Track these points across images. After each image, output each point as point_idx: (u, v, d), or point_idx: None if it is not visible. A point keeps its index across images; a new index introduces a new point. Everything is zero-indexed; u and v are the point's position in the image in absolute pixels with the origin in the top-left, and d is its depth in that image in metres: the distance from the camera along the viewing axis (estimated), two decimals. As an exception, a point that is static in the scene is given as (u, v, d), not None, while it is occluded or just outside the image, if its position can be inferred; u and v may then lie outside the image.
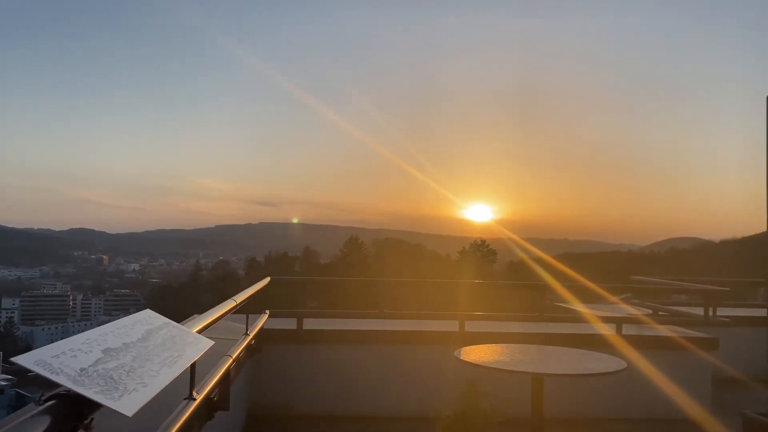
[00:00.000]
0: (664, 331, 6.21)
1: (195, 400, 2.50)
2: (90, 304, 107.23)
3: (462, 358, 4.24)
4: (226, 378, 3.28)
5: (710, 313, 6.69)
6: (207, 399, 3.04)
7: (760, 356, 4.03)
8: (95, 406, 1.32)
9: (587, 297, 7.81)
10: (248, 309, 4.74)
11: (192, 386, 2.53)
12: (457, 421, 3.44)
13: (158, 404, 2.62)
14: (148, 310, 2.20)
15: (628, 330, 6.05)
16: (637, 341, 5.72)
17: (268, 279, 5.43)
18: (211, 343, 2.27)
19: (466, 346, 4.60)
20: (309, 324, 5.85)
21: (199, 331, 2.60)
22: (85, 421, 1.34)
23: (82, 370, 1.33)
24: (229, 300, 3.53)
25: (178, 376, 2.50)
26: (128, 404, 1.33)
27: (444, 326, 5.96)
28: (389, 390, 5.54)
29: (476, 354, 4.38)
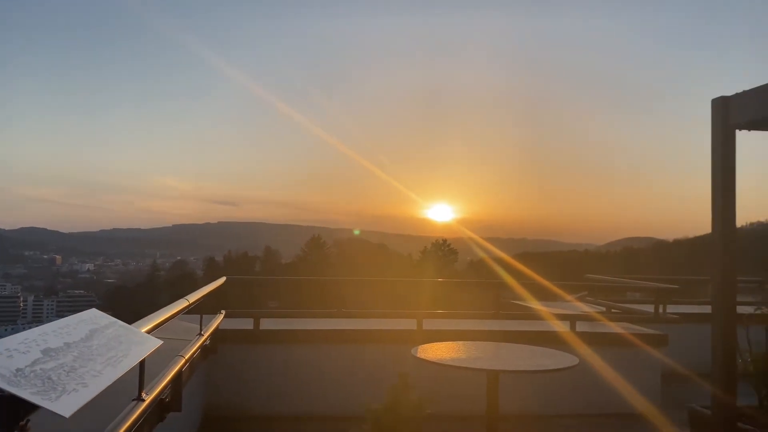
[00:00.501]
0: (616, 328, 6.36)
1: (144, 401, 2.44)
2: (42, 305, 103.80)
3: (419, 356, 4.26)
4: (178, 378, 3.22)
5: (660, 310, 6.88)
6: (158, 400, 2.98)
7: (706, 352, 4.16)
8: (31, 407, 1.28)
9: (545, 295, 7.95)
10: (204, 309, 4.66)
11: (141, 387, 2.48)
12: (386, 413, 3.46)
13: (106, 406, 2.56)
14: (93, 309, 2.15)
15: (582, 327, 6.18)
16: (590, 338, 5.84)
17: (223, 279, 5.36)
18: (159, 342, 2.22)
19: (424, 344, 4.62)
20: (267, 324, 5.79)
21: (149, 331, 2.54)
22: (21, 423, 1.29)
23: (18, 370, 1.29)
24: (181, 300, 3.47)
25: (128, 377, 2.46)
26: (66, 405, 1.29)
27: (403, 325, 5.97)
28: (346, 389, 5.52)
29: (433, 352, 4.41)
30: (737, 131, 3.95)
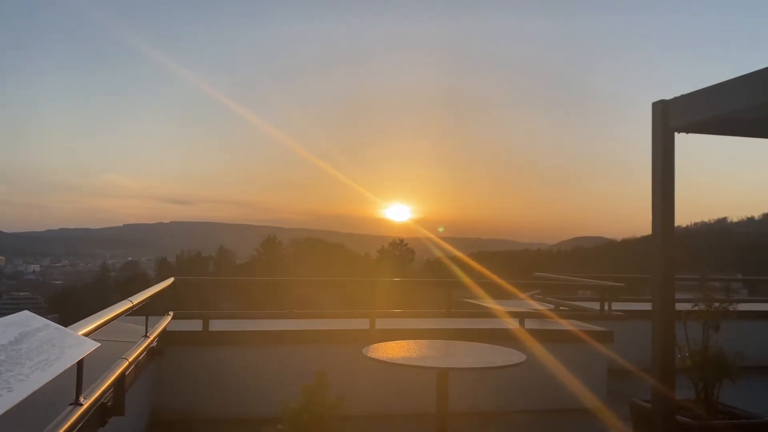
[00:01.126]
0: (564, 324, 6.51)
1: (82, 405, 2.37)
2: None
3: (370, 355, 4.26)
4: (120, 381, 3.14)
5: (606, 307, 7.07)
6: (98, 404, 2.89)
7: (648, 348, 4.30)
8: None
9: (500, 294, 8.07)
10: (150, 311, 4.55)
11: (78, 391, 2.41)
12: (301, 412, 3.45)
13: (41, 411, 2.48)
14: (26, 311, 2.07)
15: (532, 324, 6.30)
16: (538, 335, 5.96)
17: (171, 280, 5.25)
18: (96, 345, 2.16)
19: (376, 343, 4.63)
20: (216, 325, 5.69)
21: (88, 333, 2.47)
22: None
23: (-65, 376, 1.23)
24: (124, 301, 3.38)
25: (69, 382, 2.38)
26: (-13, 411, 1.24)
27: (356, 325, 5.97)
28: (297, 391, 5.47)
29: (384, 351, 4.42)
30: (676, 134, 4.09)
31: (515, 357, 4.31)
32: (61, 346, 1.85)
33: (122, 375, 3.12)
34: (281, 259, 60.88)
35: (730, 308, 4.52)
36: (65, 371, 2.01)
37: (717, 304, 4.49)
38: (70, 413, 2.28)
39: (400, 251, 59.99)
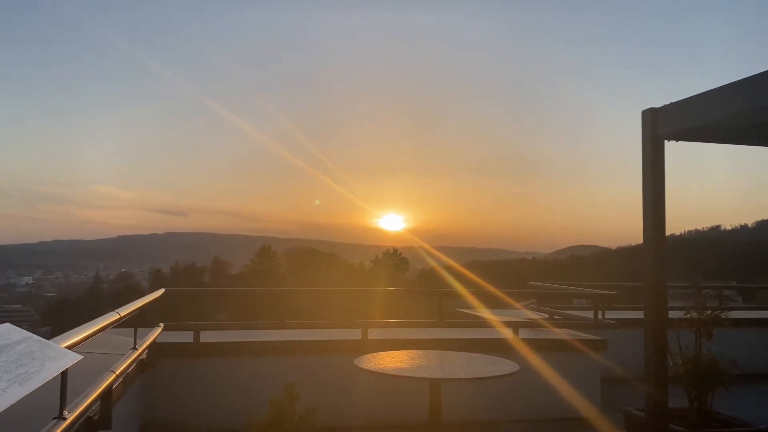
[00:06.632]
0: (557, 333, 6.48)
1: (65, 419, 2.34)
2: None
3: (361, 366, 4.23)
4: (107, 394, 3.10)
5: (599, 316, 7.06)
6: (84, 418, 2.85)
7: (641, 356, 4.28)
8: None
9: (495, 303, 8.04)
10: (142, 322, 4.51)
11: (62, 405, 2.37)
12: (269, 426, 3.40)
13: (24, 426, 2.43)
14: (7, 324, 2.04)
15: (526, 334, 6.27)
16: (532, 344, 5.93)
17: (161, 291, 5.20)
18: (79, 357, 2.12)
19: (368, 354, 4.59)
20: (208, 337, 5.64)
21: (72, 345, 2.43)
22: None
23: None
24: (111, 313, 3.34)
25: (52, 396, 2.34)
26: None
27: (348, 335, 5.92)
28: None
29: (376, 362, 4.38)
30: (666, 141, 4.10)
31: (508, 367, 4.28)
32: (41, 359, 1.82)
33: (109, 388, 3.08)
34: (275, 269, 60.70)
35: (723, 316, 4.52)
36: (51, 385, 1.97)
37: (709, 312, 4.48)
38: (54, 427, 2.24)
39: (394, 261, 59.90)
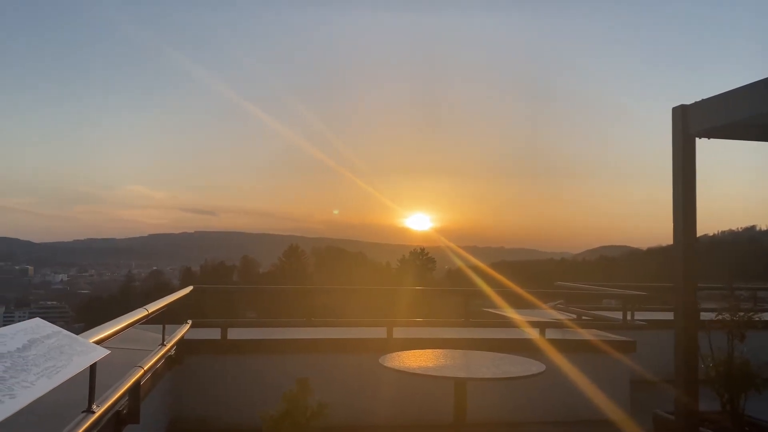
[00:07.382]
0: (585, 334, 6.39)
1: (94, 413, 2.38)
2: (13, 317, 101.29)
3: (386, 364, 4.22)
4: (135, 389, 3.15)
5: (628, 317, 6.94)
6: (114, 412, 2.91)
7: (671, 358, 4.20)
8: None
9: (522, 303, 7.96)
10: (168, 319, 4.57)
11: (91, 399, 2.42)
12: (282, 419, 3.40)
13: (54, 419, 2.49)
14: (37, 318, 2.09)
15: (553, 334, 6.20)
16: (559, 345, 5.86)
17: (189, 288, 5.27)
18: (106, 352, 2.16)
19: (393, 352, 4.59)
20: (235, 334, 5.70)
21: (100, 341, 2.48)
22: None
23: (-62, 382, 1.24)
24: (139, 309, 3.39)
25: (81, 390, 2.39)
26: (-13, 417, 1.24)
27: (373, 333, 5.93)
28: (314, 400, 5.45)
29: (400, 360, 4.37)
30: (697, 139, 4.01)
31: (534, 367, 4.23)
32: (69, 354, 1.86)
33: (137, 383, 3.13)
34: (303, 268, 61.06)
35: (756, 318, 4.40)
36: (80, 379, 2.01)
37: (742, 314, 4.37)
38: (82, 421, 2.29)
39: (421, 260, 59.71)
